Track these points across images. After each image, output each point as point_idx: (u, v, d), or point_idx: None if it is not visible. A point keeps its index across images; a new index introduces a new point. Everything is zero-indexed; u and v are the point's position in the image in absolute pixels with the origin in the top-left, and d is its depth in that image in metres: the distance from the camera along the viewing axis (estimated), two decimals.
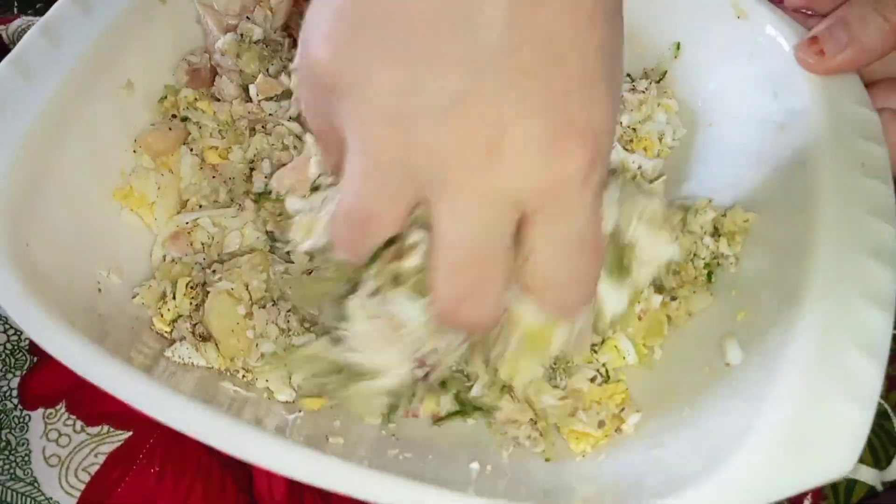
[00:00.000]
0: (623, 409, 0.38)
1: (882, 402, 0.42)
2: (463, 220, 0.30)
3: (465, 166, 0.29)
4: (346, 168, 0.31)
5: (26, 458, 0.41)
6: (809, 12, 0.48)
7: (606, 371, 0.40)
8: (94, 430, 0.42)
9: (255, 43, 0.46)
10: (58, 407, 0.42)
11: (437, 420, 0.40)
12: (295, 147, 0.44)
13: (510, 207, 0.30)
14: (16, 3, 0.60)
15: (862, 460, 0.41)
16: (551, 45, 0.28)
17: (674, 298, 0.40)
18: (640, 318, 0.39)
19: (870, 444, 0.41)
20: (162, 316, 0.41)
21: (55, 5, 0.42)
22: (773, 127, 0.44)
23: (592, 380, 0.39)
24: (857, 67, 0.43)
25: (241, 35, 0.47)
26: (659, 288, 0.40)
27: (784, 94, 0.44)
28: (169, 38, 0.46)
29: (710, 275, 0.41)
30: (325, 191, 0.37)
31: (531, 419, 0.39)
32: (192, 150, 0.45)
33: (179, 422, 0.32)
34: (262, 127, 0.46)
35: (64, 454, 0.41)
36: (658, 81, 0.50)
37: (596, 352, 0.40)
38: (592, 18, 0.28)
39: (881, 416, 0.42)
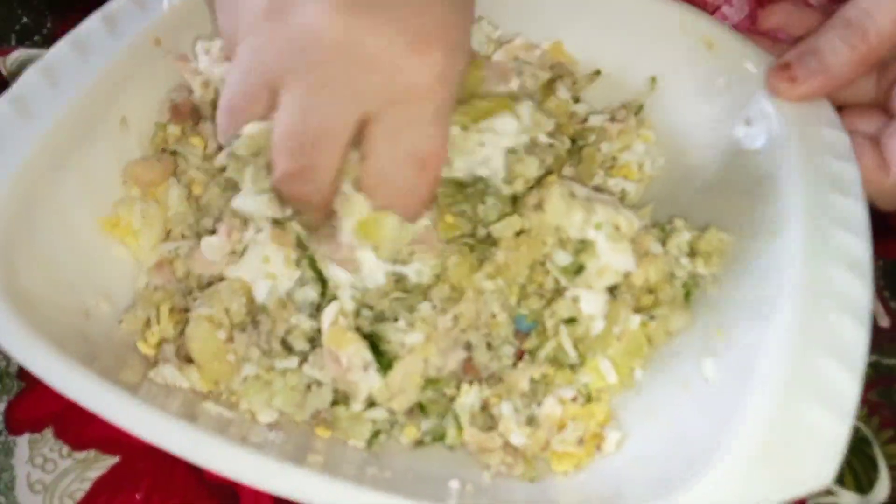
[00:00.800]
0: (604, 427, 0.38)
1: (863, 427, 0.43)
2: (306, 106, 0.34)
3: (316, 63, 0.34)
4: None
5: (10, 485, 0.41)
6: (780, 35, 0.50)
7: (588, 392, 0.40)
8: (81, 455, 0.41)
9: None
10: (44, 432, 0.42)
11: (417, 444, 0.40)
12: None
13: (352, 104, 0.34)
14: (14, 36, 0.61)
15: (845, 485, 0.41)
16: None
17: (652, 318, 0.40)
18: (618, 339, 0.40)
19: (852, 470, 0.41)
20: (146, 340, 0.41)
21: (54, 47, 0.44)
22: (748, 153, 0.45)
23: (574, 399, 0.39)
24: (826, 94, 0.44)
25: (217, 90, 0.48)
26: (637, 308, 0.40)
27: (756, 121, 0.45)
28: (164, 79, 0.48)
29: (687, 294, 0.41)
30: None
31: (503, 445, 0.39)
32: (179, 181, 0.46)
33: (164, 440, 0.33)
34: None
35: (49, 480, 0.41)
36: (636, 114, 0.51)
37: (575, 372, 0.40)
38: None
39: (863, 442, 0.42)
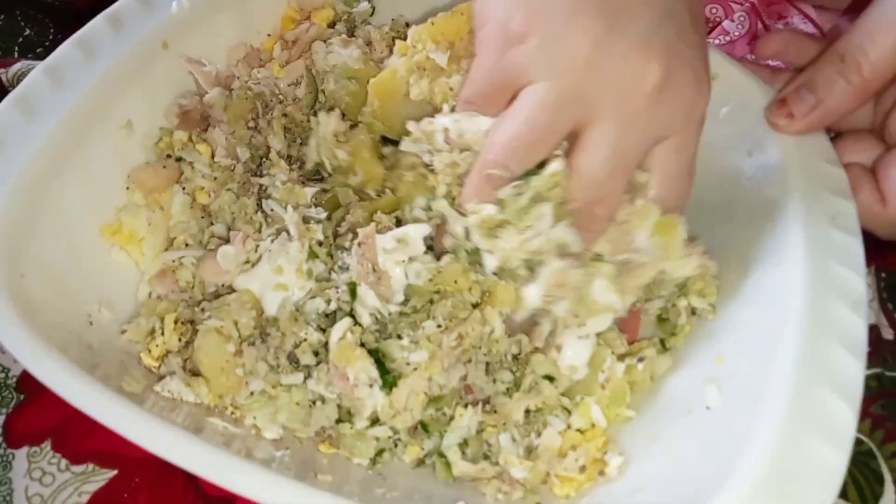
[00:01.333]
0: (605, 453, 0.39)
1: (867, 439, 0.43)
2: (616, 144, 0.38)
3: (628, 102, 0.37)
4: (518, 103, 0.39)
5: (8, 498, 0.40)
6: (779, 64, 0.51)
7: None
8: (79, 468, 0.41)
9: (248, 98, 0.48)
10: (43, 445, 0.42)
11: (419, 463, 0.40)
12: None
13: (653, 138, 0.39)
14: (17, 48, 0.61)
15: (849, 499, 0.41)
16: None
17: (641, 360, 0.41)
18: (602, 387, 0.40)
19: (856, 484, 0.41)
20: (150, 352, 0.41)
21: (59, 48, 0.43)
22: (749, 184, 0.46)
23: (569, 427, 0.39)
24: (823, 127, 0.45)
25: (230, 91, 0.48)
26: (622, 356, 0.41)
27: (757, 152, 0.46)
28: (170, 82, 0.48)
29: (663, 342, 0.42)
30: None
31: (500, 474, 0.38)
32: (184, 188, 0.46)
33: (169, 452, 0.32)
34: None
35: (47, 493, 0.40)
36: None
37: (570, 413, 0.40)
38: None
39: (867, 455, 0.43)
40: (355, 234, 0.40)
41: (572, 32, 0.37)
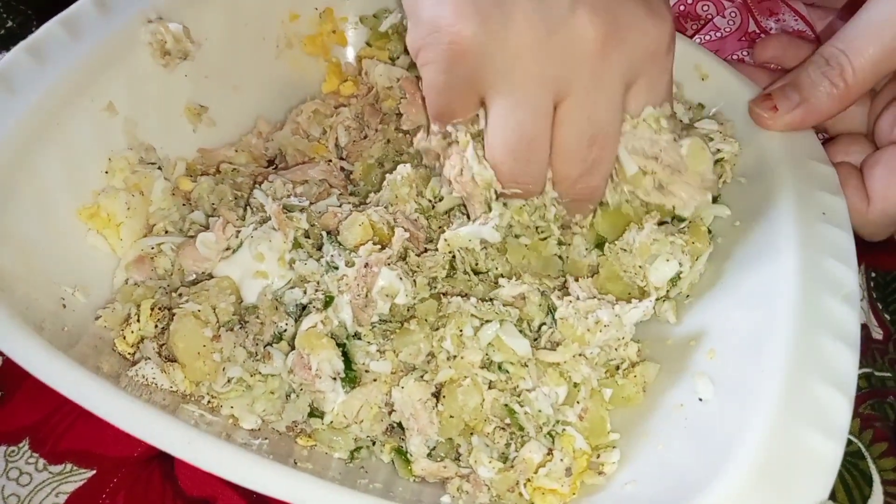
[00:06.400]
0: (599, 455, 0.37)
1: (856, 440, 0.43)
2: (586, 104, 0.38)
3: (579, 69, 0.37)
4: (491, 114, 0.39)
5: None
6: (776, 66, 0.51)
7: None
8: (57, 468, 0.40)
9: None
10: (21, 444, 0.41)
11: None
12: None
13: (619, 87, 0.39)
14: None
15: (838, 500, 0.41)
16: None
17: (627, 374, 0.40)
18: (581, 418, 0.39)
19: (845, 483, 0.41)
20: (125, 338, 0.40)
21: (44, 26, 0.43)
22: (738, 181, 0.46)
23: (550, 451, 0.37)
24: (806, 126, 0.46)
25: None
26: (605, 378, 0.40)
27: (747, 150, 0.46)
28: (153, 68, 0.47)
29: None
30: None
31: (457, 475, 0.37)
32: (165, 176, 0.45)
33: (147, 432, 0.31)
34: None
35: (24, 493, 0.39)
36: None
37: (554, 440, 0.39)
38: None
39: (855, 455, 0.42)
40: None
41: (508, 22, 0.37)
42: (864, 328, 0.47)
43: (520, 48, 0.37)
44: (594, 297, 0.41)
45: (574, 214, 0.43)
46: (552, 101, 0.38)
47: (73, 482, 0.40)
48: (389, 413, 0.38)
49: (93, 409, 0.31)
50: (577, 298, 0.40)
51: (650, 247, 0.42)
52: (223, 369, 0.38)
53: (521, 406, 0.38)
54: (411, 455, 0.37)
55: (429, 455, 0.37)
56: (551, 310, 0.41)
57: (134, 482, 0.40)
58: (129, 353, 0.40)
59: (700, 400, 0.36)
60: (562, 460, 0.36)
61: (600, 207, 0.44)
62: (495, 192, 0.41)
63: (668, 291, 0.42)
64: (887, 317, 0.48)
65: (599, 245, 0.44)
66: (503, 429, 0.37)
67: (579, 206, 0.43)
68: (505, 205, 0.42)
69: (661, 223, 0.43)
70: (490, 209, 0.41)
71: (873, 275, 0.50)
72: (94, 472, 0.40)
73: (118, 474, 0.40)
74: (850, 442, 0.42)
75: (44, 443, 0.41)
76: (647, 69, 0.39)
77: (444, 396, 0.37)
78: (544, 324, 0.41)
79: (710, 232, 0.44)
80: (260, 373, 0.38)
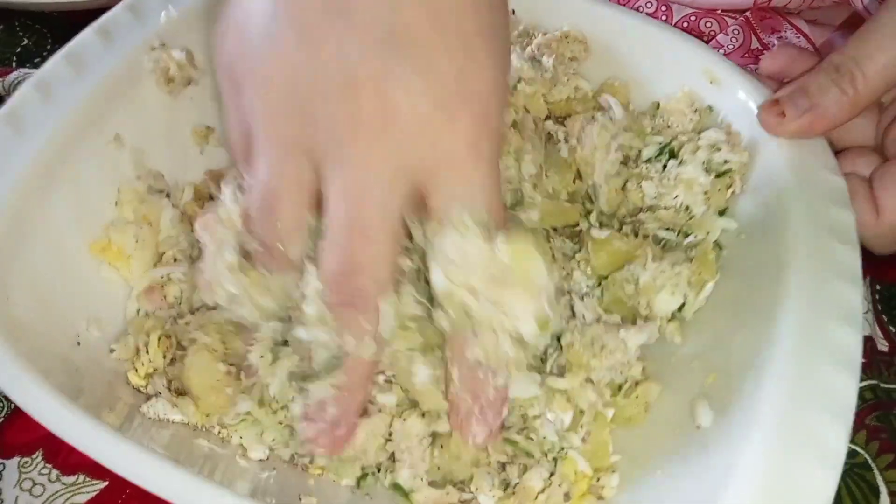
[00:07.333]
0: (599, 479, 0.38)
1: (862, 451, 0.43)
2: (351, 194, 0.32)
3: (354, 142, 0.31)
4: (253, 161, 0.34)
5: None
6: (782, 79, 0.50)
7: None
8: (70, 479, 0.41)
9: None
10: (34, 455, 0.42)
11: (397, 488, 0.39)
12: None
13: (400, 180, 0.32)
14: (15, 58, 0.61)
15: None
16: (429, 10, 0.31)
17: (629, 393, 0.40)
18: (584, 441, 0.39)
19: (852, 496, 0.41)
20: (136, 371, 0.41)
21: (48, 61, 0.43)
22: (746, 189, 0.45)
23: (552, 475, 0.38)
24: (815, 134, 0.45)
25: None
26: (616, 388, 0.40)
27: (756, 158, 0.45)
28: (158, 95, 0.47)
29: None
30: None
31: (460, 501, 0.37)
32: (173, 203, 0.46)
33: (151, 483, 0.32)
34: None
35: None
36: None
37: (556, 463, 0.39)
38: None
39: (862, 467, 0.42)
40: None
41: (270, 62, 0.33)
42: (870, 340, 0.46)
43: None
44: (599, 320, 0.40)
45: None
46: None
47: (86, 493, 0.41)
48: (385, 443, 0.39)
49: (98, 459, 0.33)
50: (584, 318, 0.40)
51: (655, 282, 0.41)
52: (234, 403, 0.39)
53: (521, 434, 0.38)
54: (407, 486, 0.38)
55: (431, 483, 0.38)
56: (555, 335, 0.40)
57: (146, 493, 0.40)
58: (142, 386, 0.41)
59: (699, 427, 0.36)
60: (560, 486, 0.36)
61: (591, 241, 0.43)
62: None
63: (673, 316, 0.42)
64: (892, 329, 0.48)
65: (600, 283, 0.43)
66: (504, 464, 0.38)
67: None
68: None
69: (663, 245, 0.43)
70: None
71: (878, 287, 0.49)
72: (107, 483, 0.41)
73: (130, 486, 0.40)
74: (856, 453, 0.42)
75: (57, 454, 0.42)
76: (440, 170, 0.33)
77: (440, 446, 0.38)
78: (549, 346, 0.41)
79: (720, 248, 0.43)
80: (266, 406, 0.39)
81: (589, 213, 0.46)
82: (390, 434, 0.38)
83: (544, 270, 0.34)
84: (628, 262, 0.42)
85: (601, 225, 0.45)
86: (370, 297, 0.34)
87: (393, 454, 0.39)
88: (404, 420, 0.38)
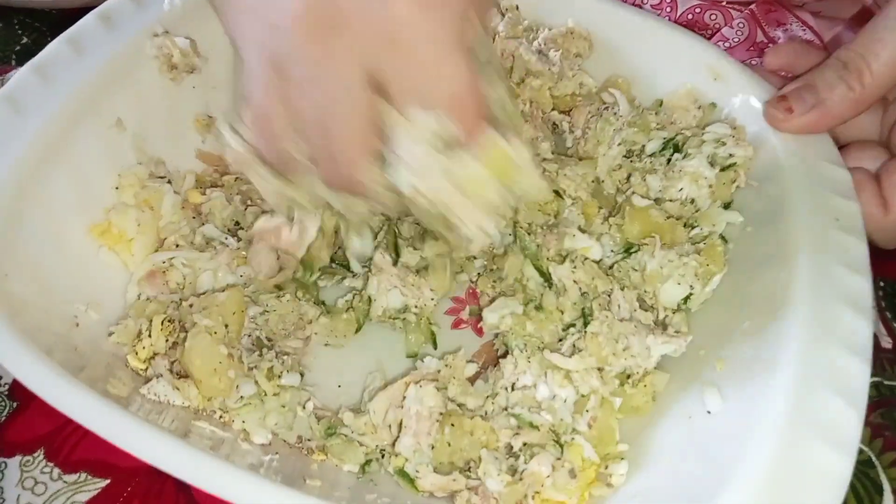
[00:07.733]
0: (607, 466, 0.37)
1: (866, 448, 0.42)
2: (315, 88, 0.34)
3: (310, 42, 0.33)
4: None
5: None
6: (786, 74, 0.51)
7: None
8: (72, 477, 0.40)
9: None
10: (35, 454, 0.41)
11: (402, 475, 0.39)
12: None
13: (358, 69, 0.33)
14: (14, 56, 0.61)
15: None
16: None
17: (637, 383, 0.40)
18: (590, 426, 0.38)
19: (856, 493, 0.41)
20: (137, 354, 0.40)
21: (49, 45, 0.43)
22: (750, 184, 0.45)
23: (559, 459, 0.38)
24: (821, 129, 0.45)
25: None
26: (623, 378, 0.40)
27: (760, 152, 0.45)
28: (161, 80, 0.47)
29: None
30: None
31: (466, 487, 0.37)
32: (174, 189, 0.45)
33: (155, 457, 0.32)
34: None
35: (39, 503, 0.39)
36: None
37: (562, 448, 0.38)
38: None
39: (866, 464, 0.42)
40: None
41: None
42: (874, 337, 0.47)
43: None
44: (631, 318, 0.40)
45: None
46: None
47: (88, 491, 0.40)
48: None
49: (101, 433, 0.32)
50: (619, 308, 0.40)
51: (661, 271, 0.41)
52: (236, 386, 0.39)
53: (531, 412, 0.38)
54: (409, 468, 0.37)
55: (436, 469, 0.37)
56: (585, 315, 0.41)
57: (147, 492, 0.40)
58: (141, 370, 0.40)
59: (709, 412, 0.36)
60: (564, 465, 0.36)
61: (630, 207, 0.44)
62: None
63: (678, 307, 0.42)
64: None
65: (627, 250, 0.44)
66: (511, 447, 0.38)
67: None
68: None
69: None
70: None
71: (882, 284, 0.49)
72: (109, 481, 0.41)
73: (132, 484, 0.40)
74: (860, 451, 0.41)
75: (58, 452, 0.41)
76: (388, 58, 0.33)
77: (451, 425, 0.38)
78: (573, 325, 0.41)
79: (725, 241, 0.43)
80: (280, 385, 0.39)
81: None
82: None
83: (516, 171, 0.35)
84: (646, 244, 0.42)
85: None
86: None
87: (394, 443, 0.38)
88: (420, 386, 0.38)
